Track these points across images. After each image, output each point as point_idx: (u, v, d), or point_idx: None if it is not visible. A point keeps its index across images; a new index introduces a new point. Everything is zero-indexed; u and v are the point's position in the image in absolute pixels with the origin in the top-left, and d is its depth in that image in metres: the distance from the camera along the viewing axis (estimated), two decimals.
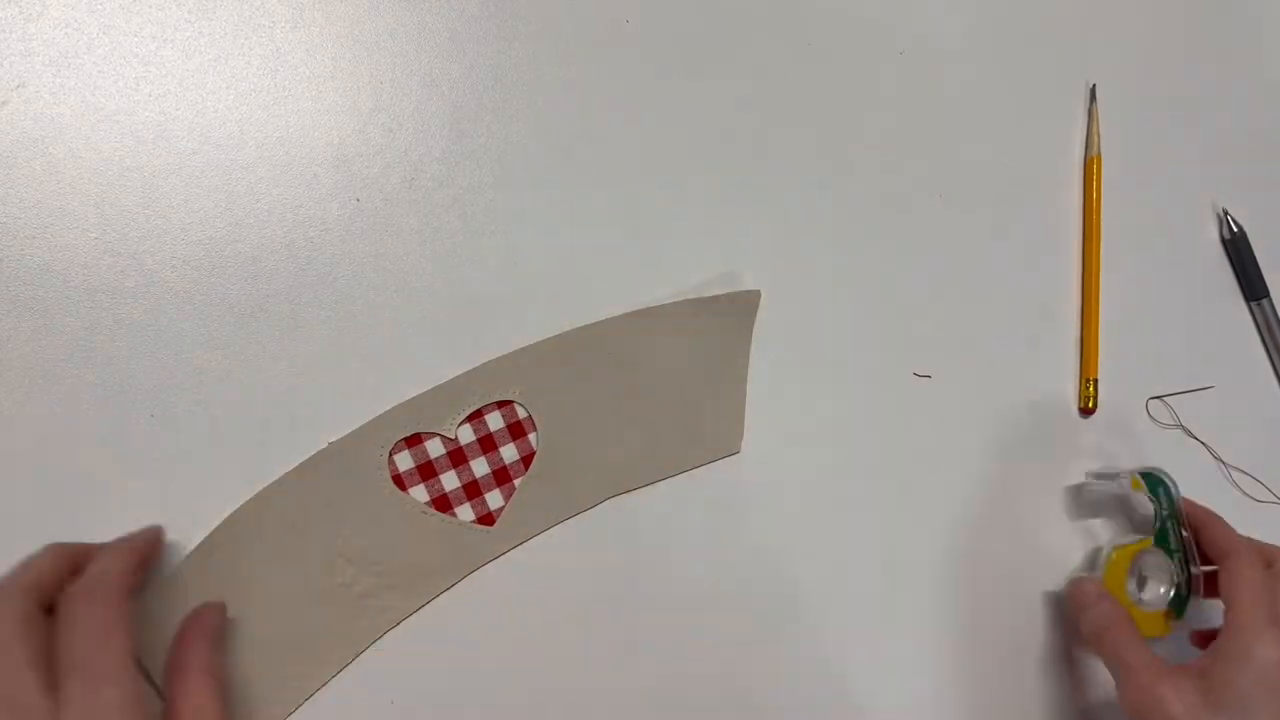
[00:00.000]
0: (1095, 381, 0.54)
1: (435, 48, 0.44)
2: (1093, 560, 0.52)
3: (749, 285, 0.48)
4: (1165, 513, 0.51)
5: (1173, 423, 0.57)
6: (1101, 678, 0.53)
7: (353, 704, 0.40)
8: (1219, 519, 0.50)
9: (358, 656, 0.40)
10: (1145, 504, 0.52)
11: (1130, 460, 0.55)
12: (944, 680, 0.50)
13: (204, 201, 0.40)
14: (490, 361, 0.42)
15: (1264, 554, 0.47)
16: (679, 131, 0.48)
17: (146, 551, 0.36)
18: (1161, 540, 0.51)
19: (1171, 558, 0.51)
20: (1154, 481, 0.51)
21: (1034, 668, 0.52)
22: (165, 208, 0.39)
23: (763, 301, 0.49)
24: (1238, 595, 0.44)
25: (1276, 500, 0.58)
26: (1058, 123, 0.56)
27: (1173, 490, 0.51)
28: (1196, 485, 0.57)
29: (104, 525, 0.37)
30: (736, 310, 0.44)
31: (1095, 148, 0.56)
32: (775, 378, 0.49)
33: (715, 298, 0.43)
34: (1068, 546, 0.53)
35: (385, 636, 0.40)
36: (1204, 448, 0.57)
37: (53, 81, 0.38)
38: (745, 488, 0.47)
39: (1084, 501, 0.53)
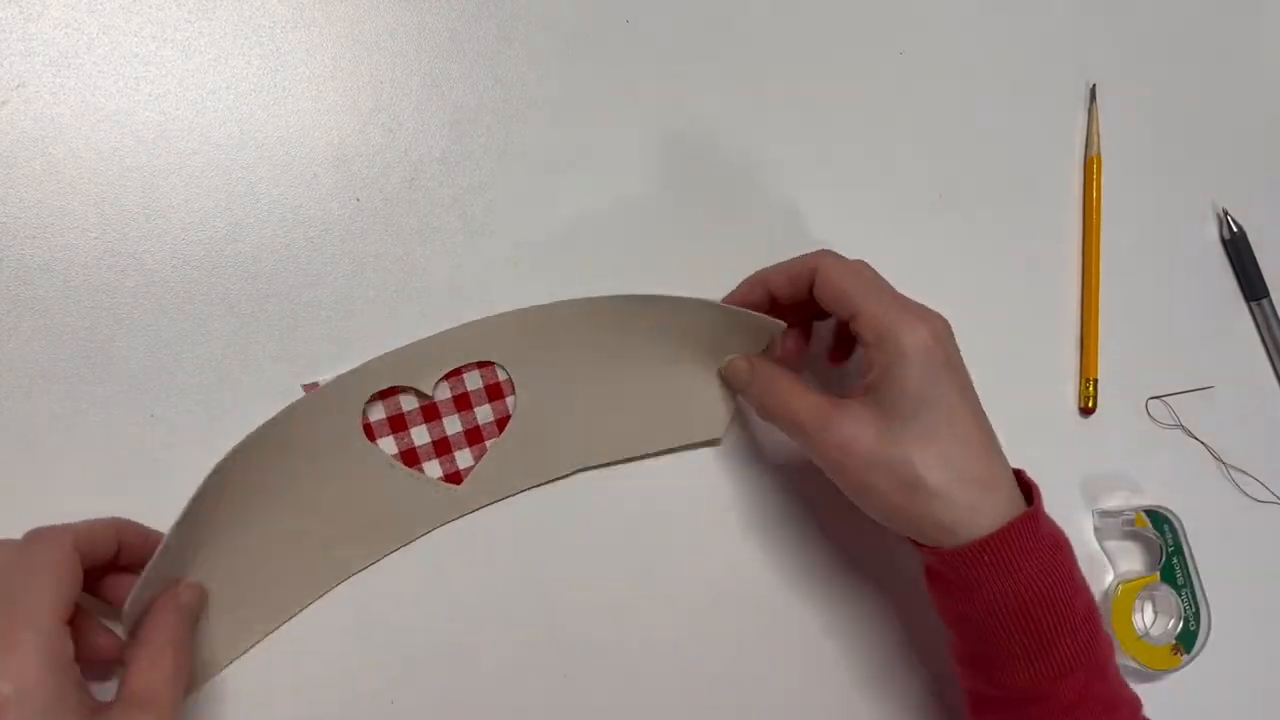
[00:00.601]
0: (1095, 381, 0.54)
1: (435, 48, 0.44)
2: (1101, 595, 0.52)
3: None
4: (1170, 549, 0.51)
5: (1173, 423, 0.57)
6: None
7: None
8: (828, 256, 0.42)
9: (312, 603, 0.40)
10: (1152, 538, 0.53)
11: (1131, 459, 0.55)
12: (941, 680, 0.50)
13: (204, 201, 0.40)
14: (478, 321, 0.41)
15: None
16: (679, 131, 0.48)
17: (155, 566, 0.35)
18: (1168, 576, 0.51)
19: (1179, 593, 0.51)
20: (1159, 519, 0.51)
21: None
22: (165, 208, 0.39)
23: None
24: (856, 300, 0.39)
25: (1276, 500, 0.58)
26: (1058, 123, 0.56)
27: (1177, 527, 0.51)
28: (1196, 485, 0.57)
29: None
30: (753, 332, 0.43)
31: (1095, 148, 0.56)
32: None
33: (740, 312, 0.43)
34: None
35: (340, 588, 0.40)
36: (1204, 448, 0.57)
37: (53, 81, 0.38)
38: (732, 480, 0.47)
39: (1093, 536, 0.54)
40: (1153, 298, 0.58)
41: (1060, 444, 0.54)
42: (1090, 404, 0.54)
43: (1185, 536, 0.52)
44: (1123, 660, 0.50)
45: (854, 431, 0.38)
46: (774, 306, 0.43)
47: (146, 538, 0.36)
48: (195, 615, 0.36)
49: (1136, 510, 0.51)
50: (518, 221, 0.45)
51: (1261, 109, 0.62)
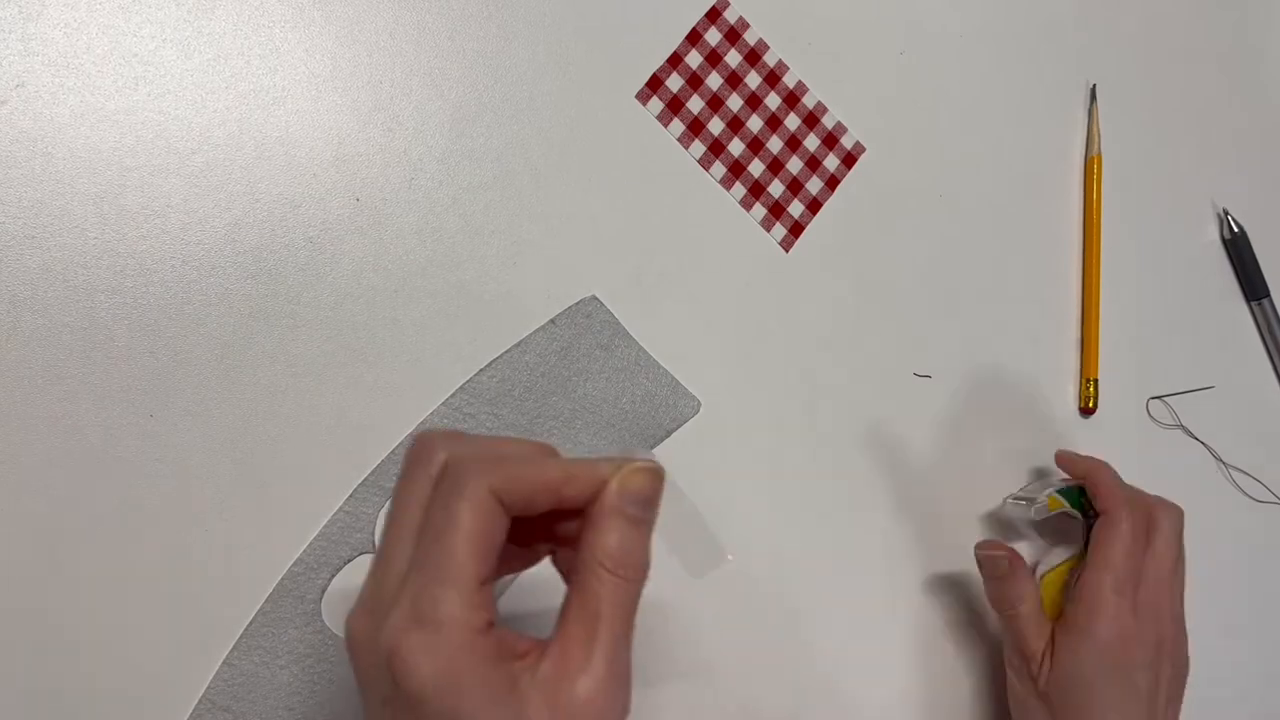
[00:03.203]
0: (1095, 381, 0.54)
1: (435, 47, 0.44)
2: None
3: (751, 281, 0.48)
4: (1092, 521, 0.49)
5: (1173, 423, 0.57)
6: None
7: None
8: (1105, 469, 0.48)
9: None
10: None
11: (1132, 459, 0.55)
12: (939, 679, 0.50)
13: (203, 201, 0.40)
14: (465, 386, 0.42)
15: (1144, 512, 0.46)
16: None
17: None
18: None
19: None
20: (1074, 494, 0.49)
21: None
22: (165, 207, 0.39)
23: (764, 301, 0.49)
24: (1093, 555, 0.44)
25: (1276, 500, 0.58)
26: (1058, 123, 0.56)
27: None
28: (1196, 485, 0.57)
29: (104, 525, 0.37)
30: (579, 319, 0.44)
31: (1095, 148, 0.56)
32: (775, 377, 0.49)
33: (554, 318, 0.44)
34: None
35: None
36: (1204, 448, 0.57)
37: (52, 81, 0.38)
38: (741, 487, 0.47)
39: (1006, 524, 0.53)
40: (1153, 298, 0.57)
41: (1060, 444, 0.54)
42: (1090, 404, 0.54)
43: None
44: None
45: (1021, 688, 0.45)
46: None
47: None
48: (651, 510, 0.28)
49: (1049, 494, 0.49)
50: (518, 222, 0.45)
51: (1261, 109, 0.62)
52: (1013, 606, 0.45)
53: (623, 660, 0.26)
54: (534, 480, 0.27)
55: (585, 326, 0.45)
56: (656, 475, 0.28)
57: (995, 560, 0.46)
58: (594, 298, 0.45)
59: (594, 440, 0.44)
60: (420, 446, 0.28)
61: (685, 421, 0.46)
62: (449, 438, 0.28)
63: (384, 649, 0.24)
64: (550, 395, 0.44)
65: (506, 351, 0.43)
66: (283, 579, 0.40)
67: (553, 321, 0.44)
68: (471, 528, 0.25)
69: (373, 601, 0.26)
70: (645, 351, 0.46)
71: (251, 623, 0.39)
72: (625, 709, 0.26)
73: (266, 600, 0.39)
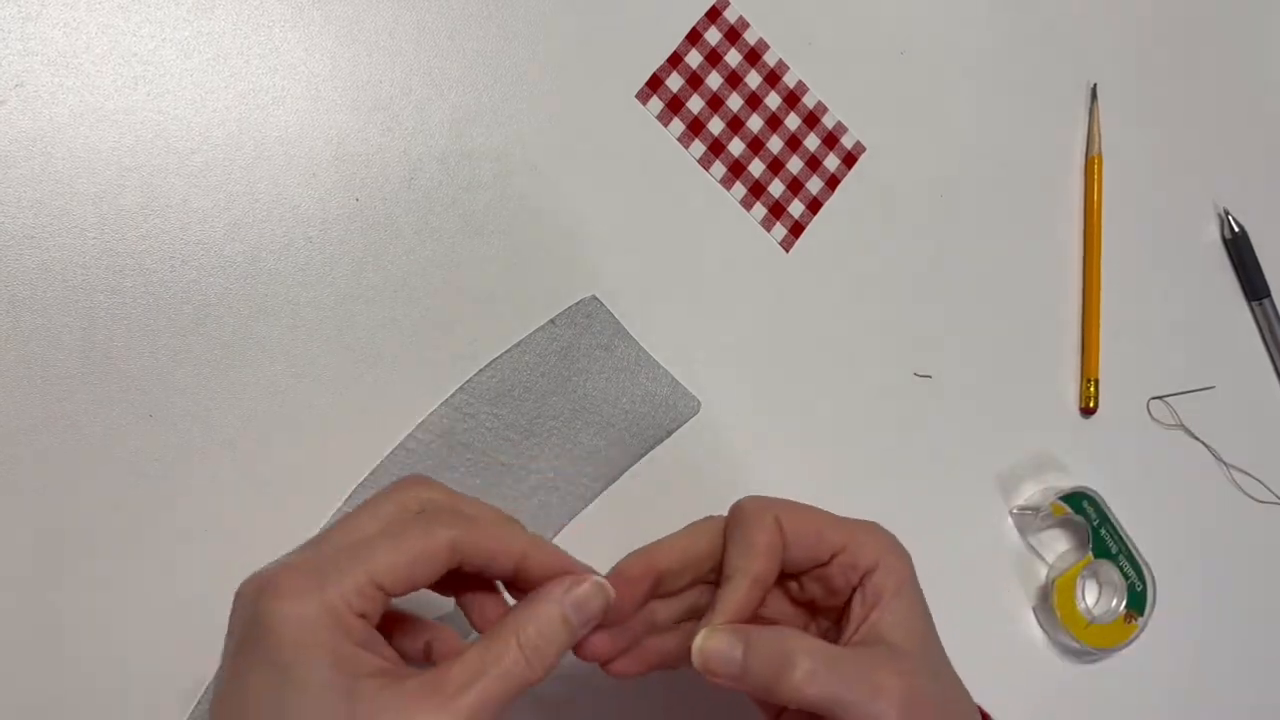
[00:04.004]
0: (1096, 381, 0.54)
1: (434, 47, 0.44)
2: (1042, 597, 0.52)
3: (751, 281, 0.48)
4: (1096, 523, 0.51)
5: (1174, 423, 0.57)
6: (1091, 683, 0.53)
7: None
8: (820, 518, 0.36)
9: None
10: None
11: (1132, 459, 0.55)
12: None
13: (203, 201, 0.40)
14: (463, 387, 0.42)
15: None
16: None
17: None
18: (1101, 551, 0.51)
19: (1115, 563, 0.51)
20: (1077, 499, 0.51)
21: (1031, 668, 0.52)
22: (164, 207, 0.39)
23: (764, 301, 0.49)
24: (831, 532, 0.34)
25: (1277, 500, 0.58)
26: (1058, 123, 0.56)
27: (1098, 499, 0.51)
28: (1196, 485, 0.57)
29: (104, 525, 0.37)
30: (579, 319, 0.44)
31: (1095, 148, 0.56)
32: (775, 377, 0.49)
33: (554, 318, 0.44)
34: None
35: None
36: (1205, 448, 0.57)
37: (51, 81, 0.38)
38: (741, 487, 0.47)
39: (1017, 534, 0.53)
40: (1153, 298, 0.57)
41: (1061, 444, 0.54)
42: (1091, 404, 0.54)
43: (1107, 505, 0.51)
44: (1080, 648, 0.50)
45: (920, 684, 0.32)
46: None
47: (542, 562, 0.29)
48: (585, 624, 0.29)
49: (1052, 502, 0.50)
50: (517, 222, 0.44)
51: (1261, 109, 0.62)
52: (790, 669, 0.30)
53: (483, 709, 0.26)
54: (498, 548, 0.28)
55: (585, 326, 0.45)
56: (606, 599, 0.29)
57: (719, 644, 0.31)
58: (594, 297, 0.45)
59: (594, 440, 0.44)
60: (411, 482, 0.30)
61: (685, 421, 0.46)
62: (441, 487, 0.30)
63: (265, 578, 0.25)
64: (550, 395, 0.44)
65: (507, 351, 0.43)
66: None
67: (553, 321, 0.44)
68: (411, 547, 0.26)
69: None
70: (645, 351, 0.46)
71: None
72: None
73: None
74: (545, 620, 0.28)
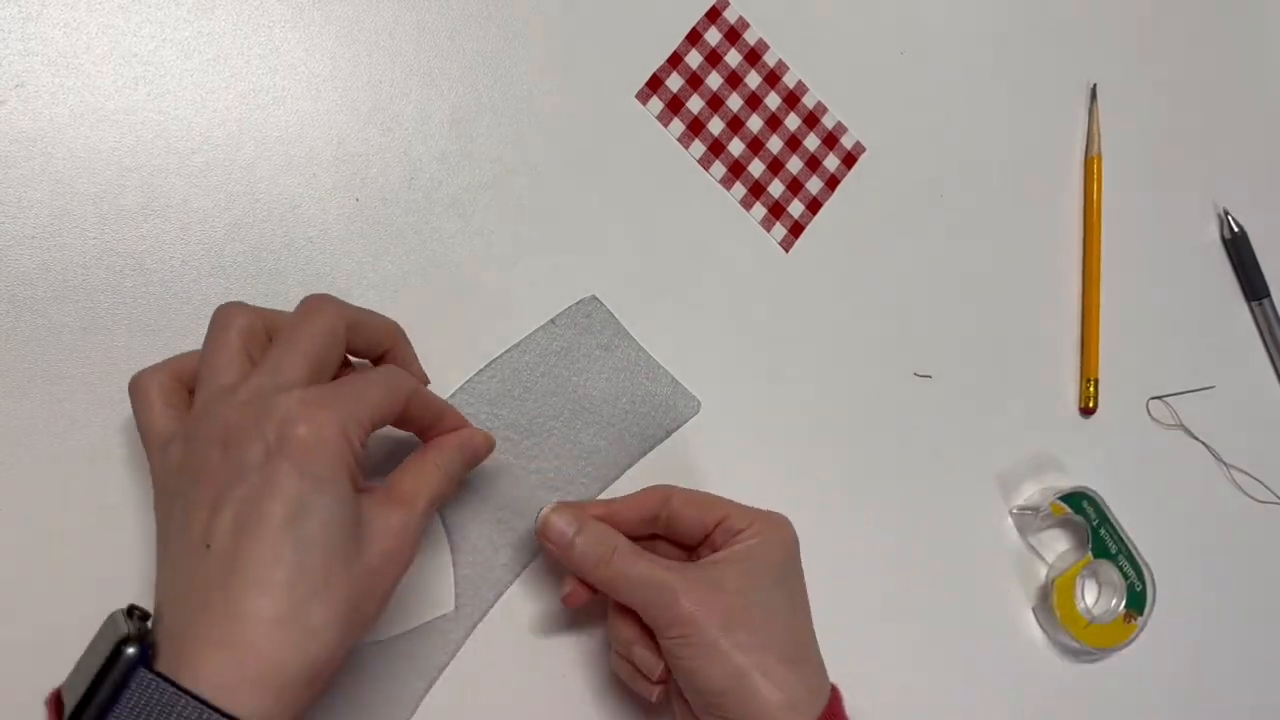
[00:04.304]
0: (1096, 381, 0.54)
1: (434, 47, 0.44)
2: (1042, 597, 0.52)
3: (751, 281, 0.48)
4: (1095, 523, 0.51)
5: (1173, 423, 0.57)
6: (1085, 684, 0.53)
7: None
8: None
9: None
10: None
11: (1132, 459, 0.55)
12: (938, 678, 0.50)
13: (203, 201, 0.40)
14: (463, 388, 0.43)
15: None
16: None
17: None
18: (1100, 551, 0.52)
19: (1115, 563, 0.52)
20: (1076, 498, 0.51)
21: (1031, 668, 0.52)
22: (164, 207, 0.39)
23: (764, 301, 0.49)
24: (721, 504, 0.40)
25: (1276, 500, 0.58)
26: (1058, 123, 0.56)
27: (1097, 499, 0.51)
28: (1196, 485, 0.57)
29: (103, 525, 0.37)
30: (579, 319, 0.45)
31: (1095, 148, 0.56)
32: (775, 377, 0.49)
33: (554, 318, 0.44)
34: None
35: None
36: (1204, 448, 0.57)
37: (51, 81, 0.38)
38: (740, 487, 0.47)
39: (1016, 534, 0.53)
40: (1153, 298, 0.57)
41: (1061, 444, 0.54)
42: (1091, 404, 0.54)
43: (1106, 505, 0.52)
44: (1079, 647, 0.51)
45: (709, 589, 0.37)
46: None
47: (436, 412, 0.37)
48: (475, 460, 0.39)
49: (1051, 501, 0.51)
50: (517, 222, 0.45)
51: (1261, 109, 0.62)
52: (608, 558, 0.38)
53: (425, 521, 0.35)
54: (433, 404, 0.37)
55: (585, 326, 0.45)
56: (489, 444, 0.39)
57: (555, 523, 0.39)
58: (594, 297, 0.45)
59: (594, 440, 0.44)
60: (253, 313, 0.35)
61: (685, 421, 0.46)
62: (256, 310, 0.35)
63: (293, 408, 0.30)
64: (550, 395, 0.44)
65: (506, 351, 0.43)
66: None
67: (553, 321, 0.44)
68: (396, 396, 0.34)
69: (269, 376, 0.32)
70: (645, 351, 0.46)
71: None
72: (412, 555, 0.34)
73: None
74: (451, 453, 0.37)
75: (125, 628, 0.29)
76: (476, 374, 0.43)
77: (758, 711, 0.36)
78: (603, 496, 0.45)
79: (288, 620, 0.29)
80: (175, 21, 0.40)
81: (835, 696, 0.38)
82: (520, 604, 0.43)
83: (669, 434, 0.46)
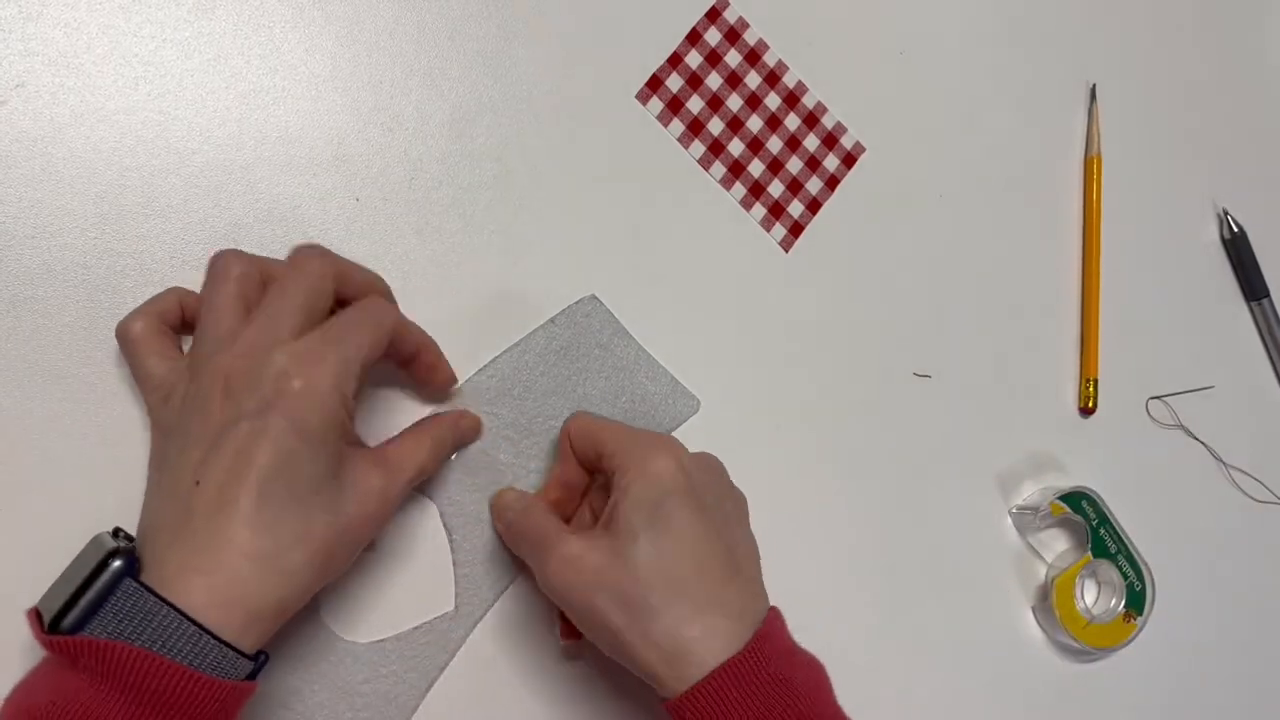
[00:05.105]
0: (1095, 381, 0.54)
1: (435, 47, 0.44)
2: (1041, 597, 0.52)
3: (750, 281, 0.48)
4: (1095, 523, 0.51)
5: (1173, 423, 0.57)
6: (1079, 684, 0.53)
7: None
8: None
9: None
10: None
11: (1132, 459, 0.55)
12: (937, 678, 0.50)
13: (203, 201, 0.40)
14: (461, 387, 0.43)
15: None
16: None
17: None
18: (1099, 550, 0.52)
19: (1114, 562, 0.52)
20: (1075, 498, 0.51)
21: (1030, 667, 0.52)
22: (165, 207, 0.39)
23: (764, 301, 0.49)
24: (604, 436, 0.39)
25: (1276, 500, 0.58)
26: (1058, 123, 0.56)
27: (1097, 499, 0.51)
28: (1196, 485, 0.57)
29: (104, 525, 0.37)
30: (578, 318, 0.45)
31: (1095, 148, 0.56)
32: (775, 377, 0.49)
33: (554, 318, 0.44)
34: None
35: None
36: (1204, 448, 0.57)
37: (52, 81, 0.38)
38: (740, 487, 0.47)
39: (1016, 533, 0.53)
40: (1153, 298, 0.58)
41: (1060, 444, 0.54)
42: (1090, 404, 0.54)
43: (1106, 505, 0.52)
44: (1079, 647, 0.51)
45: (581, 549, 0.36)
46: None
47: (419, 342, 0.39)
48: (462, 441, 0.42)
49: (1051, 501, 0.51)
50: (518, 222, 0.45)
51: (1261, 109, 0.62)
52: (503, 512, 0.41)
53: (407, 489, 0.37)
54: (411, 334, 0.38)
55: (584, 326, 0.45)
56: (476, 428, 0.42)
57: (506, 502, 0.41)
58: (593, 297, 0.45)
59: None
60: (247, 259, 0.36)
61: (684, 420, 0.46)
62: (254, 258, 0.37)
63: (286, 363, 0.32)
64: (550, 395, 0.44)
65: (505, 351, 0.43)
66: None
67: (552, 321, 0.44)
68: (380, 336, 0.35)
69: (266, 327, 0.33)
70: (645, 350, 0.46)
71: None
72: (389, 518, 0.37)
73: None
74: (444, 429, 0.40)
75: (112, 543, 0.31)
76: (476, 373, 0.43)
77: (644, 668, 0.35)
78: None
79: (266, 558, 0.31)
80: (175, 22, 0.40)
81: (770, 618, 0.36)
82: (520, 604, 0.43)
83: (669, 432, 0.46)
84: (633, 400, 0.45)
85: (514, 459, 0.43)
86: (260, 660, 0.32)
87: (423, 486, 0.41)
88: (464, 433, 0.42)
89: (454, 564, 0.42)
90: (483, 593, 0.42)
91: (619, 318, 0.46)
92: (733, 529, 0.39)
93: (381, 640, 0.40)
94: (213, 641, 0.30)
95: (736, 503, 0.40)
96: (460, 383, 0.42)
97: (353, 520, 0.34)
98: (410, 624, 0.41)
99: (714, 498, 0.38)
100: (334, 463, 0.33)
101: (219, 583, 0.30)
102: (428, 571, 0.42)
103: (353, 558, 0.35)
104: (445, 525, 0.42)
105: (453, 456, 0.42)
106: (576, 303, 0.45)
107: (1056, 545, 0.53)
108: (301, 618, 0.39)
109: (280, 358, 0.32)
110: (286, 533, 0.31)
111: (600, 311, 0.45)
